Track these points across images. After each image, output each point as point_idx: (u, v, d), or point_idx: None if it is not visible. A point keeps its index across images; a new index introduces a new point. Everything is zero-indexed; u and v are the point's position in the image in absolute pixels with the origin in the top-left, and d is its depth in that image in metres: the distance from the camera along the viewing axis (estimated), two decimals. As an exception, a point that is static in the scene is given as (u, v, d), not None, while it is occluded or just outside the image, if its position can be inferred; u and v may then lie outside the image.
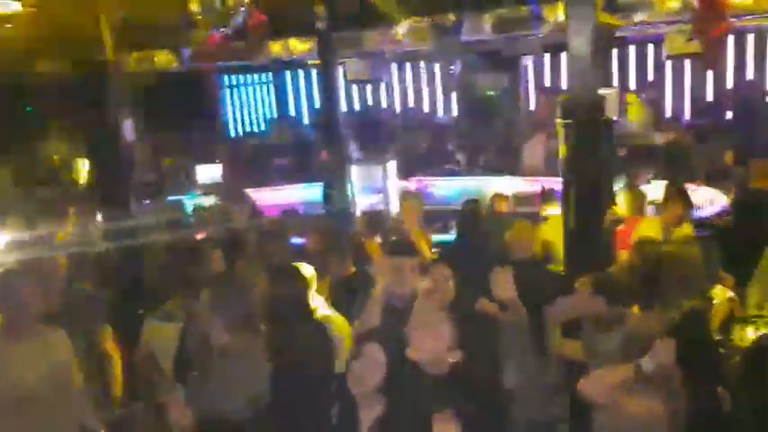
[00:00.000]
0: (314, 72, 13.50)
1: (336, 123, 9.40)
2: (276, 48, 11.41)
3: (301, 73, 15.11)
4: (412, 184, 9.39)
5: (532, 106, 13.15)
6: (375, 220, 6.74)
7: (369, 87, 14.45)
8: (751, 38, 11.65)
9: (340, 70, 11.97)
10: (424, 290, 3.36)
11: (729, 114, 11.76)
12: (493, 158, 10.81)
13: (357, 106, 15.14)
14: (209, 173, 10.11)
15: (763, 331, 4.14)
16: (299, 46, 11.20)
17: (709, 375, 3.45)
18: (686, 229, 5.46)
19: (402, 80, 14.63)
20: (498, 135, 11.48)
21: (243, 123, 16.58)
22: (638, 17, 8.83)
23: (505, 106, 12.32)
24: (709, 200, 7.25)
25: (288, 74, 15.41)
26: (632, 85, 12.45)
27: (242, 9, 6.32)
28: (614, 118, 5.43)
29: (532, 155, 10.13)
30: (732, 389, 3.73)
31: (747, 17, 8.57)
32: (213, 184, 9.72)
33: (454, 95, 13.87)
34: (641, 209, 5.86)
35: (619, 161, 8.08)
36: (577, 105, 4.57)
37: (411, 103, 14.57)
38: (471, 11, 9.66)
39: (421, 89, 14.52)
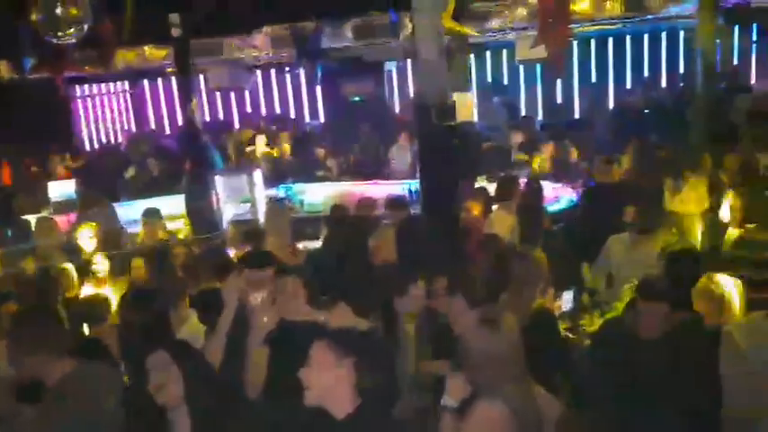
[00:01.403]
0: (174, 80, 13.04)
1: (198, 132, 9.15)
2: (131, 56, 10.93)
3: (160, 81, 14.55)
4: (280, 191, 9.28)
5: (397, 110, 13.45)
6: (243, 230, 6.55)
7: (233, 95, 14.20)
8: (593, 43, 12.57)
9: (200, 78, 11.67)
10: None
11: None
12: (361, 163, 10.91)
13: (221, 114, 14.84)
14: (62, 189, 9.43)
15: (607, 316, 4.44)
16: (155, 53, 10.80)
17: (559, 374, 3.60)
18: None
19: (267, 87, 14.47)
20: (365, 140, 11.62)
21: (98, 135, 15.74)
22: (490, 25, 9.28)
23: (371, 111, 12.49)
24: (556, 194, 7.71)
25: (146, 82, 14.79)
26: (488, 88, 13.08)
27: (87, 16, 5.98)
28: (471, 120, 5.64)
29: (399, 158, 10.33)
30: (582, 374, 3.99)
31: (589, 23, 9.23)
32: (67, 201, 9.08)
33: (320, 101, 13.92)
34: (489, 206, 6.13)
35: (476, 160, 8.44)
36: (429, 110, 4.71)
37: (277, 110, 14.46)
38: (331, 18, 9.73)
39: (287, 96, 14.45)
